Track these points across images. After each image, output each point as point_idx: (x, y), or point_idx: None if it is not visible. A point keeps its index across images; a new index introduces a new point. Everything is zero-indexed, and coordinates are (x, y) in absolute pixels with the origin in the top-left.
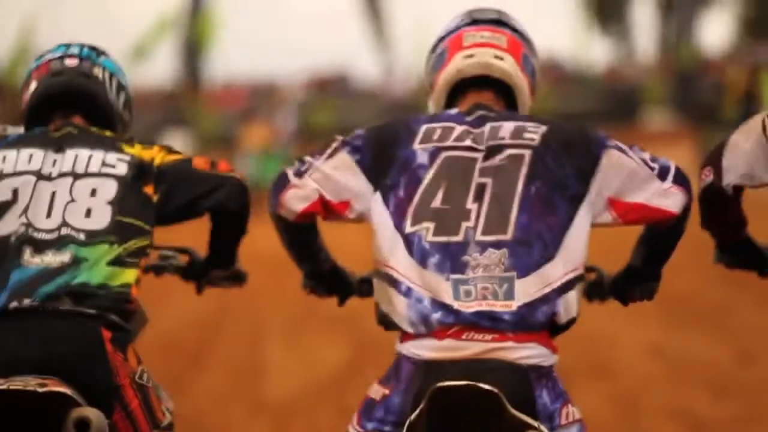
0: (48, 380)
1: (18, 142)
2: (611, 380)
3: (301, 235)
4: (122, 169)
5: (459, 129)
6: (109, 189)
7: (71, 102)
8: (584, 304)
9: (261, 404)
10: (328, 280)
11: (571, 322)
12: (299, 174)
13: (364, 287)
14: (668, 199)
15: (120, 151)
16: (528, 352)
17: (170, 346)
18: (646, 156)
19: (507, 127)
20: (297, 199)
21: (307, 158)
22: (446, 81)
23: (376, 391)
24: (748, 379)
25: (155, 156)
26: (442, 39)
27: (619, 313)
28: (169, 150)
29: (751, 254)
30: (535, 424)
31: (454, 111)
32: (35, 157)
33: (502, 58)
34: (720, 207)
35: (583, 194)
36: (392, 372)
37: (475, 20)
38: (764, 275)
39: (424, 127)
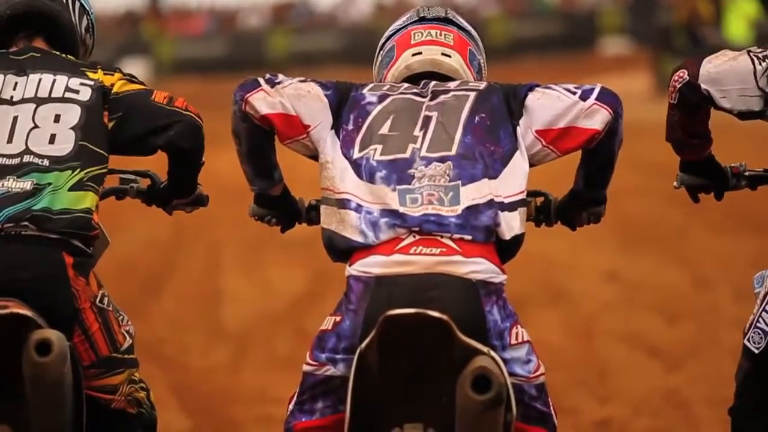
0: (9, 302)
1: None
2: (566, 306)
3: (260, 142)
4: (86, 95)
5: (406, 85)
6: (73, 115)
7: (33, 24)
8: (538, 232)
9: (219, 330)
10: (278, 205)
11: (516, 241)
12: (271, 83)
13: (312, 214)
14: (591, 118)
15: (83, 76)
16: (476, 267)
17: (126, 272)
18: (570, 86)
19: (452, 84)
20: (265, 102)
21: (280, 75)
22: (395, 77)
23: (328, 321)
24: (701, 304)
25: (115, 83)
26: (390, 36)
27: (574, 240)
28: (131, 79)
29: (714, 174)
30: (485, 349)
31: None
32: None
33: (449, 56)
34: (691, 111)
35: (517, 122)
36: (343, 299)
37: (422, 18)
38: (720, 198)
39: (372, 84)
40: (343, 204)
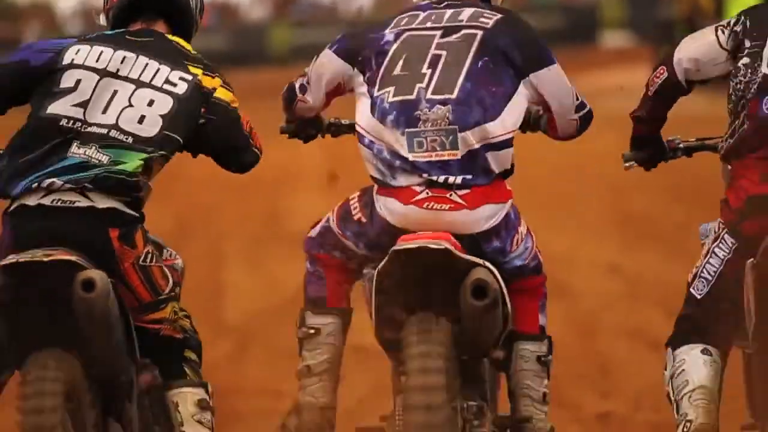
0: (55, 250)
1: (95, 39)
2: (568, 300)
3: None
4: (182, 89)
5: (423, 15)
6: (166, 104)
7: (156, 6)
8: (540, 226)
9: (221, 324)
10: (306, 122)
11: (510, 171)
12: (303, 90)
13: (332, 128)
14: (567, 127)
15: (185, 69)
16: (480, 216)
17: None
18: (575, 89)
19: (467, 12)
20: (306, 109)
21: (306, 70)
22: None
23: (356, 208)
24: None
25: (216, 87)
26: None
27: (576, 234)
28: (228, 87)
29: (657, 148)
30: (481, 261)
31: (425, 2)
32: (104, 55)
33: None
34: (669, 102)
35: (524, 78)
36: (370, 206)
37: None
38: (649, 169)
39: (396, 19)
40: (359, 138)
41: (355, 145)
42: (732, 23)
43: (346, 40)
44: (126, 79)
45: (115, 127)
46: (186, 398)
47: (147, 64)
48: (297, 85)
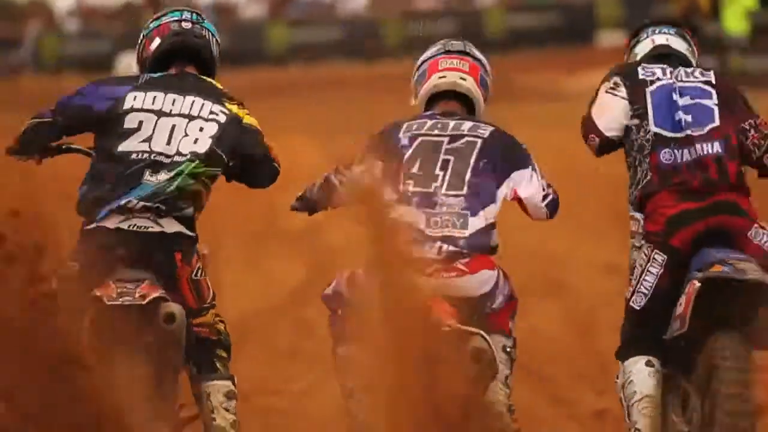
0: (145, 287)
1: (146, 85)
2: (566, 299)
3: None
4: (222, 118)
5: (431, 122)
6: (212, 129)
7: (186, 55)
8: (539, 226)
9: None
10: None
11: (496, 247)
12: (341, 182)
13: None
14: (537, 211)
15: (222, 104)
16: (480, 280)
17: None
18: (545, 183)
19: (467, 124)
20: (339, 202)
21: (341, 168)
22: (426, 92)
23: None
24: None
25: (244, 116)
26: (424, 61)
27: (574, 233)
28: (249, 113)
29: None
30: (477, 331)
31: (429, 113)
32: (157, 99)
33: (465, 79)
34: (610, 150)
35: (506, 177)
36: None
37: (448, 51)
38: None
39: (406, 124)
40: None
41: (351, 146)
42: (617, 85)
43: (374, 149)
44: (179, 115)
45: (178, 153)
46: (217, 389)
47: (193, 102)
48: (334, 178)
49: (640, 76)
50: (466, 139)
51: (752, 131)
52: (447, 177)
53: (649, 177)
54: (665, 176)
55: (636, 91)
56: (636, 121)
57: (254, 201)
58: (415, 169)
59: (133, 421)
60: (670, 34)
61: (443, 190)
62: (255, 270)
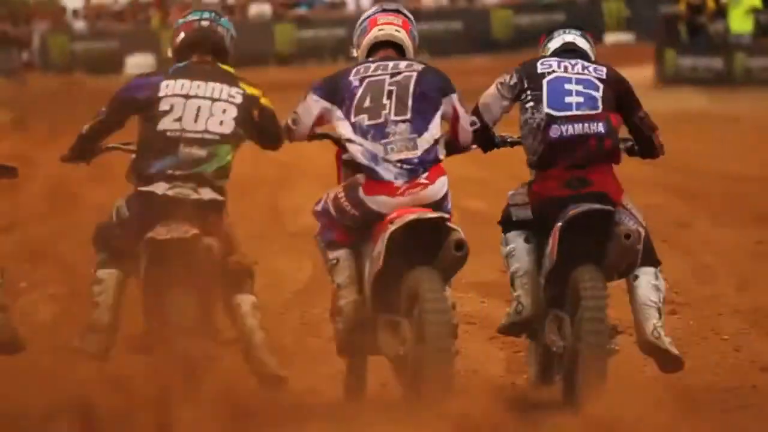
0: (187, 227)
1: (175, 74)
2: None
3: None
4: (239, 100)
5: (374, 65)
6: (233, 111)
7: (206, 46)
8: None
9: (223, 320)
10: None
11: (441, 158)
12: (295, 123)
13: (318, 137)
14: (466, 135)
15: (239, 87)
16: (439, 187)
17: None
18: (466, 108)
19: (403, 63)
20: (300, 135)
21: (296, 110)
22: (368, 43)
23: (347, 205)
24: (703, 293)
25: (260, 96)
26: (365, 20)
27: None
28: (263, 92)
29: (492, 141)
30: (456, 227)
31: (371, 59)
32: (185, 85)
33: (399, 31)
34: (488, 135)
35: (441, 100)
36: (360, 204)
37: (384, 9)
38: (486, 151)
39: (354, 69)
40: (350, 141)
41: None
42: (509, 79)
43: (325, 87)
44: (203, 98)
45: (206, 131)
46: (246, 301)
47: (214, 87)
48: (290, 122)
49: (539, 70)
50: (404, 73)
51: (642, 122)
52: (393, 105)
53: (542, 148)
54: (554, 147)
55: (534, 81)
56: (532, 104)
57: (258, 199)
58: (366, 104)
59: (182, 339)
60: (576, 35)
61: (392, 117)
62: (260, 268)
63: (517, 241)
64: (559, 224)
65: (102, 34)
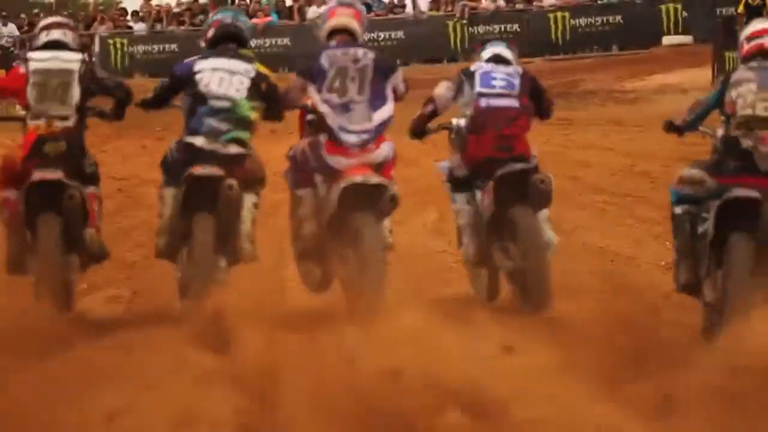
0: (217, 169)
1: (207, 56)
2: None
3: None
4: (253, 74)
5: (339, 52)
6: (247, 81)
7: (230, 37)
8: (602, 225)
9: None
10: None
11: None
12: (287, 92)
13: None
14: (399, 93)
15: (252, 65)
16: (384, 149)
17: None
18: (405, 83)
19: (361, 51)
20: (290, 102)
21: (288, 86)
22: (328, 28)
23: (311, 158)
24: None
25: (268, 74)
26: (326, 11)
27: (637, 232)
28: (268, 71)
29: (424, 132)
30: (390, 185)
31: (333, 44)
32: (213, 62)
33: (351, 20)
34: (427, 122)
35: (389, 79)
36: (322, 159)
37: (341, 3)
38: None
39: (324, 53)
40: (322, 114)
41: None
42: (456, 78)
43: (304, 70)
44: (225, 70)
45: (228, 97)
46: (249, 199)
47: (234, 64)
48: (283, 92)
49: (472, 69)
50: (362, 62)
51: (545, 100)
52: (356, 88)
53: (475, 115)
54: (483, 114)
55: (470, 75)
56: (469, 89)
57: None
58: (336, 85)
59: (199, 252)
60: (503, 47)
61: (355, 97)
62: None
63: (461, 201)
64: (492, 182)
65: (161, 36)
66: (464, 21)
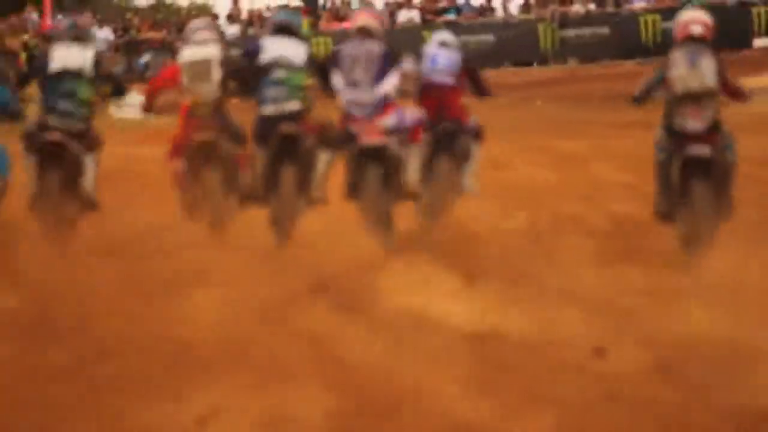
0: (291, 126)
1: (270, 37)
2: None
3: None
4: (305, 54)
5: (351, 44)
6: (303, 57)
7: (286, 29)
8: None
9: (376, 322)
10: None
11: (390, 102)
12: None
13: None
14: (399, 81)
15: (305, 45)
16: (391, 120)
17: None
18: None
19: (368, 42)
20: (335, 84)
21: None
22: (354, 28)
23: (342, 122)
24: None
25: (316, 56)
26: (354, 14)
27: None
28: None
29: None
30: (388, 145)
31: (354, 38)
32: (275, 40)
33: (370, 21)
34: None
35: (392, 68)
36: (345, 127)
37: (363, 8)
38: None
39: (344, 46)
40: (341, 91)
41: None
42: (414, 58)
43: (333, 60)
44: (284, 45)
45: (290, 63)
46: (324, 156)
47: (290, 44)
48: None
49: (425, 50)
50: (372, 54)
51: (478, 78)
52: (361, 71)
53: (419, 89)
54: (425, 87)
55: (423, 56)
56: (419, 67)
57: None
58: (349, 68)
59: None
60: (448, 35)
61: (361, 79)
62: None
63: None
64: (430, 137)
65: (252, 40)
66: (554, 24)
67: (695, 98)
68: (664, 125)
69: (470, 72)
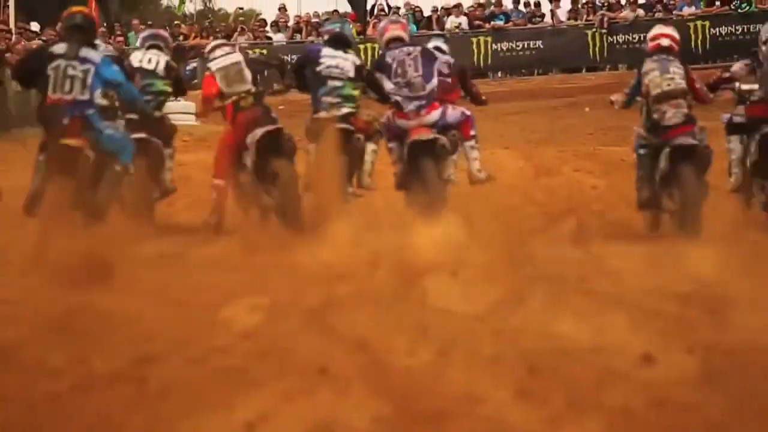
0: (344, 124)
1: (326, 48)
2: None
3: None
4: (356, 61)
5: (396, 51)
6: (352, 68)
7: (339, 40)
8: None
9: (423, 330)
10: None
11: (436, 97)
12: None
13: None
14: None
15: (355, 56)
16: (436, 115)
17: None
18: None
19: (410, 48)
20: (382, 90)
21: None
22: (386, 39)
23: (391, 120)
24: None
25: (365, 65)
26: (383, 27)
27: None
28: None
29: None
30: (442, 138)
31: (389, 49)
32: (330, 50)
33: (401, 31)
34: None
35: (435, 63)
36: (394, 122)
37: (391, 21)
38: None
39: (387, 53)
40: (390, 92)
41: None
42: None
43: (377, 66)
44: (339, 57)
45: (343, 74)
46: (369, 148)
47: (342, 53)
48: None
49: (386, 59)
50: (413, 54)
51: (470, 84)
52: (412, 71)
53: (394, 97)
54: (397, 86)
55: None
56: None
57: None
58: (398, 71)
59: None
60: (441, 41)
61: (413, 77)
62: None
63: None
64: (408, 142)
65: (299, 47)
66: (603, 30)
67: (671, 96)
68: (644, 125)
69: (462, 78)
